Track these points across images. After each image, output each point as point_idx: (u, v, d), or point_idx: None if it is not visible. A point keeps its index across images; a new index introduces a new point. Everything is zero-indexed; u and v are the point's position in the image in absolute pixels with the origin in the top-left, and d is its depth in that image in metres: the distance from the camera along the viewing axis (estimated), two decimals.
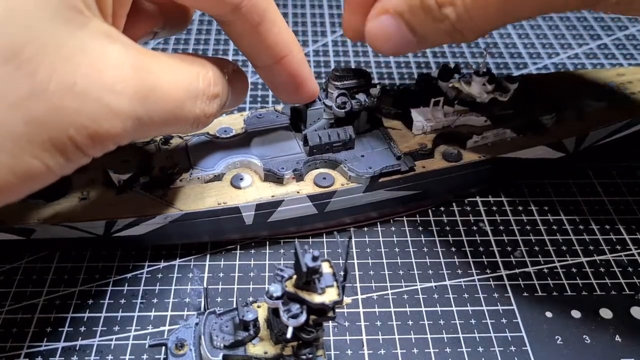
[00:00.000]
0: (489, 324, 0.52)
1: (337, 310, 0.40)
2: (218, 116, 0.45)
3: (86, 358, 0.48)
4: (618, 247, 0.60)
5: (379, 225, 0.62)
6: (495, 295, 0.55)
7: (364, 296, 0.54)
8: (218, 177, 0.56)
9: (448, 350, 0.50)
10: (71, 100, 0.32)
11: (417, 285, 0.56)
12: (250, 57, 0.50)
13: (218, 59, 0.45)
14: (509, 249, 0.60)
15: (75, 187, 0.54)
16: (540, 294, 0.55)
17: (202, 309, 0.50)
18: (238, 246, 0.59)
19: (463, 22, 0.43)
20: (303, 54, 0.51)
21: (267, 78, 0.52)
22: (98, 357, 0.48)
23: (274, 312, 0.41)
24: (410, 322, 0.52)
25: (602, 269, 0.58)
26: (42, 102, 0.31)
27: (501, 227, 0.62)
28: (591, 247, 0.60)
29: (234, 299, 0.52)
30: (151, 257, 0.57)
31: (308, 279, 0.37)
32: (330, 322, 0.42)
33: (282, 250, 0.59)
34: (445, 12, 0.43)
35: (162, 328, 0.51)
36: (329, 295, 0.38)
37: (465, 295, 0.55)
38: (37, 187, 0.34)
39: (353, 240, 0.60)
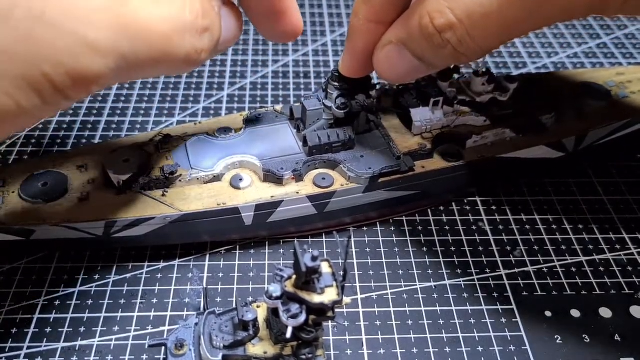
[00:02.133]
0: (489, 323, 0.52)
1: (336, 310, 0.40)
2: (213, 55, 0.41)
3: (86, 358, 0.48)
4: (617, 247, 0.60)
5: (378, 225, 0.62)
6: (495, 294, 0.55)
7: (363, 296, 0.54)
8: (217, 178, 0.56)
9: (447, 349, 0.50)
10: (42, 31, 0.29)
11: (416, 285, 0.56)
12: None
13: None
14: (508, 248, 0.60)
15: (74, 187, 0.54)
16: (539, 293, 0.55)
17: (202, 309, 0.50)
18: (237, 246, 0.59)
19: (465, 44, 0.42)
20: None
21: (247, 6, 0.49)
22: (98, 358, 0.48)
23: (273, 312, 0.41)
24: (409, 322, 0.52)
25: (601, 268, 0.58)
26: (7, 30, 0.28)
27: (501, 227, 0.62)
28: (591, 247, 0.60)
29: (234, 299, 0.52)
30: (151, 258, 0.57)
31: (307, 279, 0.37)
32: (329, 322, 0.42)
33: (281, 250, 0.59)
34: (446, 37, 0.42)
35: (161, 328, 0.51)
36: (329, 295, 0.38)
37: (465, 295, 0.55)
38: (8, 130, 0.32)
39: (352, 240, 0.60)
